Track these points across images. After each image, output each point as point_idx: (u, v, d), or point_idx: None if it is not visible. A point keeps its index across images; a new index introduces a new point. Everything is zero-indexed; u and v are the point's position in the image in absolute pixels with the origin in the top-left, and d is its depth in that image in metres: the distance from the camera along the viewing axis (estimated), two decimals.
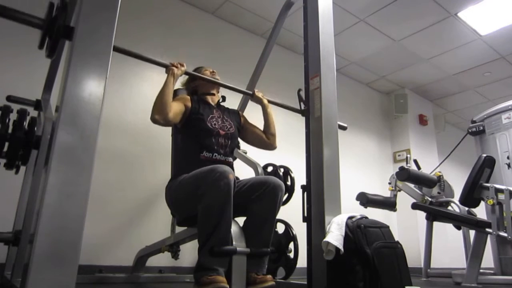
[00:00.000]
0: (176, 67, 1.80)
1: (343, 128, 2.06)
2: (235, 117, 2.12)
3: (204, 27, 3.54)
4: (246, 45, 3.78)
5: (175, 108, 1.81)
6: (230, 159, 1.92)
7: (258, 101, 2.16)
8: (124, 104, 2.88)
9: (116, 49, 1.41)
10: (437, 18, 3.66)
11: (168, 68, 1.80)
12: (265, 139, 2.13)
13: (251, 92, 2.16)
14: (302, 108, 1.90)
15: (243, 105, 2.75)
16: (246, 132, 2.15)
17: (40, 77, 2.20)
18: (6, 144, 1.50)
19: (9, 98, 1.97)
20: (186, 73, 1.86)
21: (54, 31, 1.16)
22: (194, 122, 1.88)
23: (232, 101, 2.40)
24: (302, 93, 1.92)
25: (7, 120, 1.54)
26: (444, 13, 3.57)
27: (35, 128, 1.56)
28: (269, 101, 2.16)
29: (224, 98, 2.17)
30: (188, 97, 1.97)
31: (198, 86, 2.08)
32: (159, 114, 1.71)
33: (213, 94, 2.07)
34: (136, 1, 3.12)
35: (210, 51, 3.42)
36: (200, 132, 1.86)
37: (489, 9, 3.51)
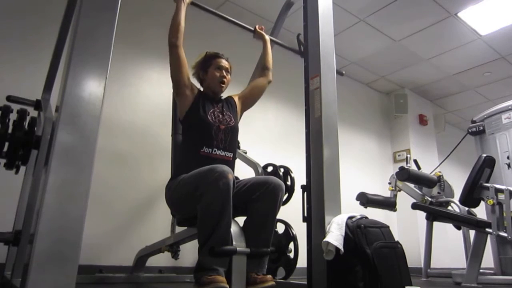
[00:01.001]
0: None
1: (340, 73, 2.11)
2: (233, 106, 2.07)
3: (204, 27, 3.54)
4: (246, 45, 3.78)
5: (186, 65, 1.88)
6: (230, 155, 1.89)
7: (260, 36, 2.26)
8: (124, 104, 2.88)
9: None
10: (437, 18, 3.66)
11: None
12: (259, 82, 2.18)
13: (252, 28, 2.24)
14: (302, 50, 1.96)
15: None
16: (245, 98, 2.14)
17: (40, 77, 2.20)
18: (6, 144, 1.50)
19: (9, 98, 1.97)
20: (193, 3, 1.97)
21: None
22: (194, 115, 1.87)
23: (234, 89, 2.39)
24: (301, 37, 1.97)
25: (7, 120, 1.54)
26: (444, 13, 3.57)
27: (35, 128, 1.56)
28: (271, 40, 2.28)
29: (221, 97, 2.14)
30: (195, 87, 1.97)
31: (203, 81, 2.05)
32: (172, 35, 1.85)
33: (216, 96, 2.04)
34: (136, 1, 3.12)
35: (209, 51, 3.42)
36: (200, 126, 1.86)
37: (489, 9, 3.51)
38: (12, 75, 2.41)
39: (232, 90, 2.08)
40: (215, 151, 1.83)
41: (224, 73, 2.00)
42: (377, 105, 5.21)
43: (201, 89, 2.03)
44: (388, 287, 1.43)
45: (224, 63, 2.03)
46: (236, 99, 2.11)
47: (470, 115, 4.37)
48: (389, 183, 3.19)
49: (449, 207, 3.04)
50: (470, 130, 3.52)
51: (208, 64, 2.02)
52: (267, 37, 2.26)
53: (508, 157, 3.17)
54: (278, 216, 1.80)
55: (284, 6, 2.60)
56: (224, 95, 2.10)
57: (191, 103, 1.89)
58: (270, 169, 2.49)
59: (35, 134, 1.55)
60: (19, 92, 2.07)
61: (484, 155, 2.74)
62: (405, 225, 4.55)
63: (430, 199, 3.04)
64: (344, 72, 2.15)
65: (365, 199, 2.85)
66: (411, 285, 1.49)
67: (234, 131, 1.94)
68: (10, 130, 1.51)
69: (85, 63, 1.10)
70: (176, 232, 2.26)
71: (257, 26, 2.27)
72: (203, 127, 1.85)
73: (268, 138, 3.67)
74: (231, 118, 1.96)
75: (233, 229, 1.61)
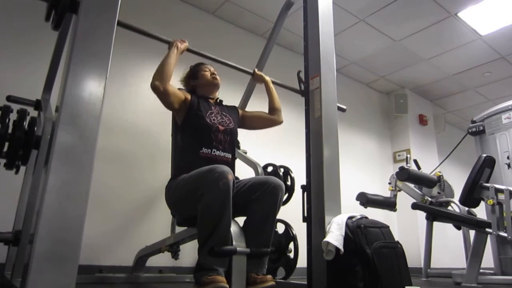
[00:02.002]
0: (180, 42, 1.88)
1: (342, 110, 2.09)
2: (234, 112, 2.11)
3: (204, 27, 3.54)
4: (246, 45, 3.78)
5: (175, 91, 1.86)
6: (229, 156, 1.91)
7: (259, 79, 2.23)
8: (124, 104, 2.88)
9: (121, 24, 1.43)
10: (437, 18, 3.66)
11: (171, 43, 1.87)
12: (269, 117, 2.19)
13: (251, 71, 2.23)
14: (302, 89, 1.94)
15: (244, 101, 2.74)
16: (248, 120, 2.17)
17: (40, 77, 2.20)
18: (6, 144, 1.50)
19: (9, 98, 1.97)
20: (189, 50, 1.93)
21: (60, 4, 1.16)
22: (193, 118, 1.88)
23: (233, 98, 2.40)
24: (302, 75, 1.96)
25: (7, 120, 1.54)
26: (444, 13, 3.57)
27: (35, 128, 1.56)
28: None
29: (221, 102, 2.16)
30: (188, 94, 1.98)
31: (197, 86, 2.08)
32: (159, 81, 1.76)
33: (211, 98, 2.06)
34: (136, 1, 3.12)
35: (210, 51, 3.41)
36: (199, 128, 1.86)
37: (489, 9, 3.51)
38: (12, 75, 2.41)
39: (232, 90, 2.08)
40: (214, 152, 1.84)
41: (213, 71, 2.08)
42: (377, 105, 5.21)
43: (195, 94, 2.03)
44: (388, 287, 1.43)
45: (209, 66, 2.10)
46: (239, 112, 2.17)
47: (470, 115, 4.37)
48: (389, 183, 3.19)
49: (449, 207, 3.04)
50: (470, 130, 3.52)
51: (195, 72, 2.08)
52: (268, 78, 2.22)
53: (508, 157, 3.17)
54: (278, 216, 1.80)
55: (284, 6, 2.60)
56: (227, 102, 2.13)
57: (187, 110, 1.91)
58: (270, 169, 2.49)
59: (35, 134, 1.54)
60: (19, 92, 2.07)
61: (484, 155, 2.74)
62: (405, 225, 4.55)
63: (430, 199, 3.04)
64: (345, 108, 2.16)
65: (365, 199, 2.85)
66: (411, 285, 1.49)
67: (233, 132, 1.96)
68: (10, 130, 1.51)
69: (85, 63, 1.10)
70: (176, 232, 2.26)
71: (255, 69, 2.24)
72: (202, 128, 1.86)
73: (268, 138, 3.66)
74: (230, 121, 1.98)
75: (233, 229, 1.61)
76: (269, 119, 2.19)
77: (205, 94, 2.04)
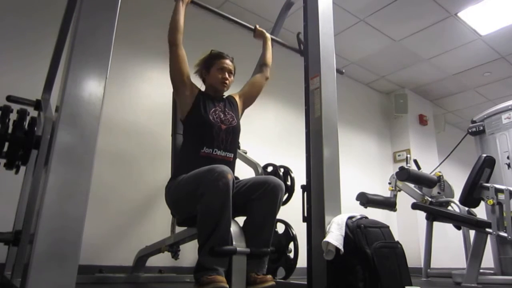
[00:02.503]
0: None
1: (340, 72, 2.13)
2: (235, 105, 2.06)
3: (204, 27, 3.54)
4: (246, 45, 3.77)
5: (185, 59, 1.89)
6: (231, 155, 1.89)
7: (260, 35, 2.29)
8: (124, 104, 2.88)
9: None
10: (437, 18, 3.66)
11: None
12: (258, 79, 2.20)
13: (253, 27, 2.27)
14: (301, 49, 1.98)
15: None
16: (245, 96, 2.14)
17: (40, 77, 2.20)
18: (6, 144, 1.50)
19: (9, 98, 1.96)
20: (192, 1, 1.99)
21: None
22: (196, 115, 1.87)
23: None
24: (301, 36, 1.99)
25: (7, 120, 1.54)
26: (444, 13, 3.57)
27: (35, 128, 1.56)
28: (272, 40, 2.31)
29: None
30: (196, 88, 1.96)
31: (205, 80, 2.04)
32: (171, 34, 1.87)
33: (218, 95, 2.03)
34: (136, 1, 3.12)
35: (210, 51, 3.42)
36: (201, 126, 1.85)
37: (489, 9, 3.51)
38: (12, 75, 2.41)
39: (232, 89, 2.07)
40: (215, 151, 1.83)
41: (227, 75, 1.98)
42: (377, 105, 5.21)
43: (202, 88, 2.02)
44: (388, 287, 1.43)
45: (227, 64, 2.01)
46: (237, 98, 2.11)
47: (470, 115, 4.37)
48: (389, 183, 3.19)
49: (449, 207, 3.04)
50: (470, 130, 3.52)
51: (211, 64, 2.01)
52: (268, 35, 2.30)
53: (508, 157, 3.17)
54: (278, 216, 1.80)
55: (284, 6, 2.60)
56: (225, 94, 2.10)
57: (192, 103, 1.89)
58: (270, 169, 2.49)
59: (35, 134, 1.54)
60: (19, 92, 2.07)
61: (484, 155, 2.73)
62: (405, 225, 4.55)
63: (430, 199, 3.04)
64: (344, 70, 2.16)
65: (365, 199, 2.85)
66: (411, 285, 1.49)
67: (235, 131, 1.94)
68: (10, 130, 1.51)
69: (85, 63, 1.10)
70: (176, 232, 2.26)
71: (257, 26, 2.29)
72: (204, 127, 1.84)
73: (268, 138, 3.67)
74: (233, 118, 1.95)
75: (233, 229, 1.61)
76: (259, 80, 2.19)
77: (211, 92, 2.02)
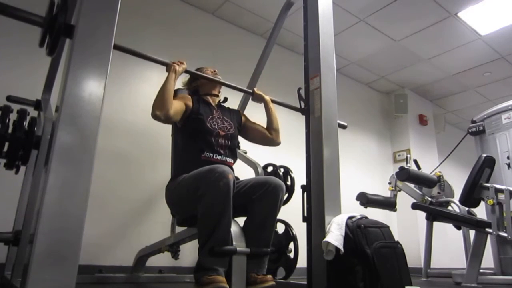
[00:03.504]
0: (177, 64, 1.81)
1: (343, 127, 2.06)
2: (236, 117, 2.11)
3: (204, 27, 3.54)
4: (246, 45, 3.78)
5: (176, 106, 1.81)
6: (231, 160, 1.92)
7: (259, 98, 2.14)
8: (124, 104, 2.88)
9: (117, 47, 1.40)
10: (437, 18, 3.66)
11: (169, 65, 1.80)
12: (267, 135, 2.13)
13: (251, 91, 2.16)
14: (302, 106, 1.89)
15: (243, 104, 2.75)
16: (248, 130, 2.15)
17: (40, 77, 2.20)
18: (6, 144, 1.50)
19: (9, 98, 1.97)
20: (186, 71, 1.86)
21: (55, 29, 1.16)
22: (194, 122, 1.88)
23: (233, 101, 2.40)
24: (302, 92, 1.92)
25: (7, 120, 1.54)
26: (444, 13, 3.57)
27: (35, 128, 1.56)
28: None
29: (226, 99, 2.17)
30: (189, 97, 1.97)
31: (199, 86, 2.08)
32: (160, 110, 1.71)
33: (215, 95, 2.07)
34: (136, 1, 3.12)
35: (210, 51, 3.42)
36: (199, 132, 1.86)
37: (489, 9, 3.51)
38: (12, 75, 2.41)
39: (232, 90, 2.07)
40: (216, 156, 1.84)
41: (213, 70, 2.08)
42: (377, 105, 5.21)
43: (197, 96, 2.03)
44: (388, 287, 1.43)
45: (209, 68, 2.11)
46: (242, 118, 2.15)
47: (470, 115, 4.37)
48: (389, 183, 3.19)
49: (449, 207, 3.04)
50: (470, 130, 3.52)
51: (196, 75, 2.03)
52: (267, 98, 2.14)
53: (508, 157, 3.17)
54: (278, 216, 1.80)
55: (284, 6, 2.60)
56: (231, 105, 2.13)
57: (190, 113, 1.90)
58: (270, 169, 2.49)
59: (35, 134, 1.54)
60: (19, 92, 2.07)
61: (484, 155, 2.73)
62: (405, 225, 4.55)
63: (430, 199, 3.04)
64: (346, 125, 2.14)
65: (365, 199, 2.85)
66: (411, 285, 1.49)
67: (233, 137, 1.95)
68: (10, 130, 1.51)
69: (85, 63, 1.10)
70: (176, 232, 2.26)
71: (255, 89, 2.15)
72: (203, 134, 1.86)
73: None
74: (231, 126, 1.97)
75: (233, 229, 1.61)
76: (268, 138, 2.13)
77: (208, 92, 2.03)
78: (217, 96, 2.09)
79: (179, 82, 2.04)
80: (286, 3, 2.58)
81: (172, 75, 1.79)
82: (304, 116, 1.86)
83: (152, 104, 1.73)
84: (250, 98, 2.25)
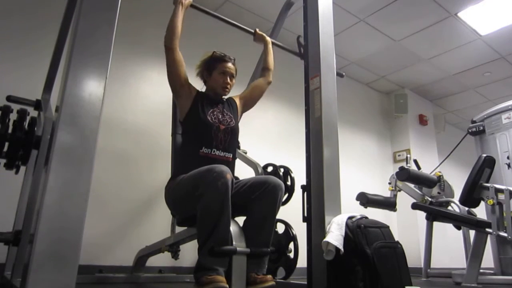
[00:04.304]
0: None
1: (340, 75, 2.11)
2: (234, 107, 2.06)
3: (204, 27, 3.54)
4: (246, 45, 3.77)
5: (182, 61, 1.88)
6: (230, 155, 1.89)
7: (260, 39, 2.26)
8: (124, 104, 2.88)
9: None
10: (437, 18, 3.66)
11: None
12: (260, 82, 2.20)
13: (253, 31, 2.24)
14: (301, 52, 1.96)
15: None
16: (246, 99, 2.15)
17: (40, 77, 2.20)
18: (6, 144, 1.50)
19: (9, 98, 1.97)
20: (193, 5, 1.96)
21: None
22: (194, 115, 1.87)
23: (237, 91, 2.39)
24: (301, 39, 1.98)
25: (7, 120, 1.54)
26: (444, 13, 3.57)
27: (35, 128, 1.56)
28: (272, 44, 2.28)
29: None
30: (195, 88, 1.97)
31: (206, 82, 2.04)
32: (167, 38, 1.86)
33: (219, 98, 2.03)
34: (136, 1, 3.12)
35: (210, 51, 3.41)
36: (199, 126, 1.85)
37: (489, 9, 3.51)
38: (12, 75, 2.41)
39: (233, 90, 2.07)
40: (214, 151, 1.83)
41: (228, 80, 1.97)
42: (377, 105, 5.21)
43: (202, 89, 2.02)
44: (388, 287, 1.43)
45: (229, 68, 1.99)
46: (237, 100, 2.12)
47: (470, 115, 4.37)
48: (389, 183, 3.19)
49: (449, 207, 3.04)
50: (470, 130, 3.52)
51: (213, 66, 1.99)
52: (268, 39, 2.27)
53: (508, 157, 3.17)
54: (278, 216, 1.80)
55: (284, 6, 2.60)
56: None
57: (191, 104, 1.89)
58: (270, 169, 2.48)
59: (35, 134, 1.54)
60: (19, 92, 2.07)
61: (484, 155, 2.74)
62: (405, 225, 4.55)
63: (430, 199, 3.04)
64: (344, 73, 2.16)
65: (365, 199, 2.85)
66: (411, 285, 1.49)
67: (234, 131, 1.94)
68: (10, 130, 1.51)
69: (85, 63, 1.10)
70: (176, 232, 2.26)
71: (257, 29, 2.27)
72: (203, 127, 1.85)
73: (268, 138, 3.67)
74: (231, 119, 1.96)
75: (233, 229, 1.61)
76: (261, 84, 2.20)
77: (211, 94, 2.02)
78: (223, 95, 2.04)
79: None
80: (286, 3, 2.59)
81: (179, 7, 1.90)
82: (304, 116, 1.86)
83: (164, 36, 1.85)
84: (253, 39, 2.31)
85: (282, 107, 3.87)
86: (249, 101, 2.17)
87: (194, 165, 1.69)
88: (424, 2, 3.42)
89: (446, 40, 4.01)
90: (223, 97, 2.06)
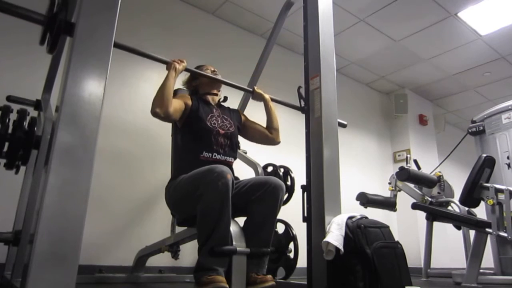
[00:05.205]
0: (177, 63, 1.81)
1: (342, 125, 2.06)
2: (236, 116, 2.11)
3: (204, 27, 3.54)
4: (246, 45, 3.78)
5: (175, 105, 1.81)
6: (230, 159, 1.92)
7: (259, 97, 2.15)
8: (124, 104, 2.88)
9: (117, 45, 1.39)
10: (437, 18, 3.66)
11: (169, 64, 1.80)
12: (267, 134, 2.13)
13: (251, 89, 2.16)
14: (302, 105, 1.89)
15: (243, 104, 2.75)
16: (248, 129, 2.15)
17: (40, 77, 2.20)
18: (6, 144, 1.50)
19: (9, 98, 1.97)
20: (186, 69, 1.87)
21: (55, 27, 1.16)
22: (193, 121, 1.88)
23: (233, 100, 2.40)
24: (302, 91, 1.91)
25: (7, 120, 1.54)
26: (444, 13, 3.57)
27: (35, 128, 1.56)
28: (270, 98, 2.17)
29: (226, 98, 2.17)
30: (189, 96, 1.98)
31: (199, 85, 2.08)
32: (159, 108, 1.71)
33: (215, 94, 2.07)
34: (136, 1, 3.12)
35: (210, 51, 3.42)
36: (199, 131, 1.86)
37: (489, 9, 3.51)
38: (12, 75, 2.41)
39: (232, 89, 2.07)
40: (215, 155, 1.84)
41: (213, 69, 2.10)
42: (377, 105, 5.21)
43: (196, 96, 2.03)
44: (388, 287, 1.42)
45: (209, 66, 2.11)
46: (242, 117, 2.15)
47: (470, 115, 4.37)
48: (389, 183, 3.19)
49: (449, 207, 3.04)
50: (470, 130, 3.52)
51: (195, 73, 2.03)
52: (267, 96, 2.14)
53: (508, 157, 3.17)
54: (278, 216, 1.80)
55: (284, 6, 2.60)
56: (231, 105, 2.13)
57: (189, 112, 1.90)
58: (270, 169, 2.49)
59: (35, 134, 1.55)
60: (19, 92, 2.07)
61: (484, 155, 2.73)
62: (405, 225, 4.55)
63: (430, 199, 3.04)
64: (346, 123, 2.15)
65: (365, 199, 2.85)
66: (411, 285, 1.49)
67: (233, 136, 1.95)
68: (10, 130, 1.51)
69: (85, 63, 1.10)
70: (176, 232, 2.26)
71: (255, 88, 2.16)
72: (202, 132, 1.86)
73: None
74: (231, 124, 1.98)
75: (233, 229, 1.61)
76: (267, 138, 2.13)
77: (208, 91, 2.03)
78: (217, 95, 2.09)
79: (179, 81, 2.04)
80: (286, 3, 2.58)
81: (172, 73, 1.79)
82: (304, 116, 1.86)
83: (152, 101, 1.73)
84: (250, 97, 2.24)
85: (282, 107, 3.86)
86: (246, 133, 2.15)
87: (195, 167, 1.69)
88: (424, 2, 3.42)
89: (446, 40, 4.01)
90: (223, 103, 2.10)
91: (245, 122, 2.16)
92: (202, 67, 2.11)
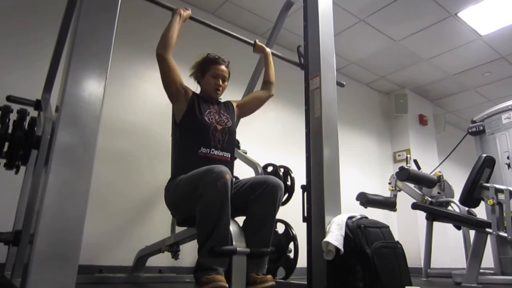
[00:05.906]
0: (183, 10, 1.90)
1: (340, 85, 2.10)
2: (230, 109, 2.09)
3: (204, 27, 3.54)
4: (246, 45, 3.77)
5: (176, 68, 1.86)
6: (228, 155, 1.91)
7: (260, 50, 2.22)
8: (124, 104, 2.88)
9: None
10: (437, 18, 3.66)
11: (175, 10, 1.89)
12: (261, 94, 2.20)
13: (252, 42, 2.20)
14: (302, 62, 1.95)
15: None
16: (245, 106, 2.17)
17: (40, 77, 2.20)
18: (6, 144, 1.50)
19: (9, 98, 1.97)
20: (191, 17, 1.95)
21: None
22: (191, 116, 1.88)
23: (236, 94, 2.40)
24: (302, 49, 1.96)
25: (7, 120, 1.54)
26: (444, 13, 3.57)
27: (35, 128, 1.56)
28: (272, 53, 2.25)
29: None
30: (191, 90, 1.97)
31: (200, 83, 2.07)
32: (161, 49, 1.82)
33: (214, 97, 2.05)
34: (136, 1, 3.11)
35: (210, 51, 3.41)
36: (197, 127, 1.86)
37: (489, 9, 3.51)
38: (12, 75, 2.41)
39: (231, 90, 2.08)
40: (213, 151, 1.84)
41: (220, 82, 2.00)
42: (377, 105, 5.21)
43: (196, 90, 2.03)
44: (388, 287, 1.43)
45: (222, 70, 2.02)
46: (234, 105, 2.15)
47: (470, 115, 4.37)
48: (389, 183, 3.19)
49: (449, 207, 3.04)
50: (470, 130, 3.52)
51: (206, 68, 2.02)
52: (268, 50, 2.23)
53: (508, 157, 3.17)
54: (278, 216, 1.80)
55: (284, 6, 2.60)
56: (223, 98, 2.12)
57: (187, 106, 1.90)
58: (270, 169, 2.49)
59: (35, 134, 1.54)
60: (19, 92, 2.07)
61: (484, 155, 2.74)
62: (405, 225, 4.55)
63: (430, 199, 3.04)
64: (344, 83, 2.16)
65: (365, 199, 2.85)
66: (411, 285, 1.49)
67: (231, 131, 1.96)
68: (10, 130, 1.51)
69: (85, 63, 1.10)
70: (176, 232, 2.26)
71: (257, 40, 2.22)
72: (200, 128, 1.86)
73: (268, 138, 3.67)
74: (228, 119, 1.97)
75: (233, 229, 1.61)
76: (262, 95, 2.20)
77: (208, 92, 2.03)
78: (216, 98, 2.06)
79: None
80: (286, 3, 2.58)
81: (177, 18, 1.89)
82: (304, 116, 1.86)
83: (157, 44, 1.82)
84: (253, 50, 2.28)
85: (282, 107, 3.87)
86: (246, 109, 2.19)
87: (193, 165, 1.69)
88: (424, 2, 3.42)
89: (446, 40, 4.01)
90: (220, 99, 2.09)
91: (239, 105, 2.16)
92: (215, 67, 2.01)
